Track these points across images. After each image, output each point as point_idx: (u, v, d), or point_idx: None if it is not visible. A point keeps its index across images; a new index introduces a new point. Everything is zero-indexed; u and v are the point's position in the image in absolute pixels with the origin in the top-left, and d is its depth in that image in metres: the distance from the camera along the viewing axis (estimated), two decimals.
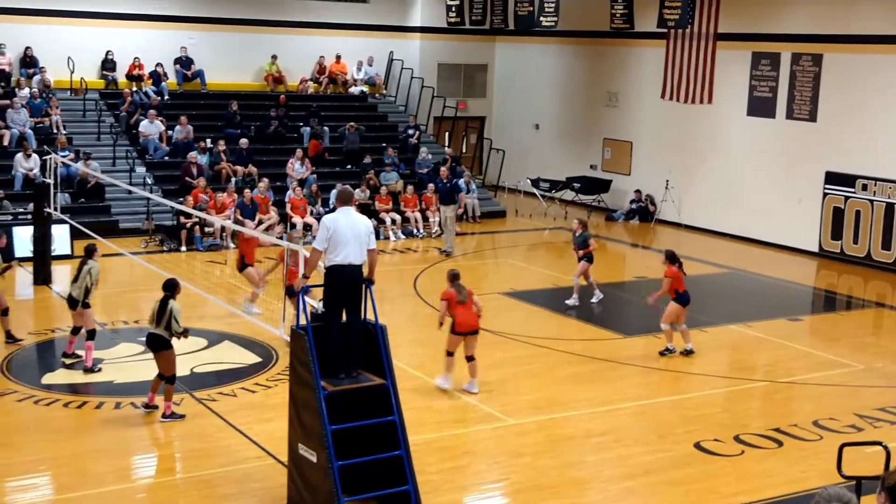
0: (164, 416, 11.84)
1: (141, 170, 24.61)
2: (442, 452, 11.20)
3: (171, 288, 11.93)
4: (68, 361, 13.71)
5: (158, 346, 11.80)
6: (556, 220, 27.13)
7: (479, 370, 13.17)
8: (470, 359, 13.06)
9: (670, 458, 11.32)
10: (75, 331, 13.78)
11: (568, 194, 28.66)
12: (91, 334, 13.54)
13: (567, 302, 17.85)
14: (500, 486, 10.75)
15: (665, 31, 25.31)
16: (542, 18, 25.73)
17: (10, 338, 14.58)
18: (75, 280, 13.51)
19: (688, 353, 15.09)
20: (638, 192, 27.55)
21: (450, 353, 13.06)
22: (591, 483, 10.73)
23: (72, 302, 13.52)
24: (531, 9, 25.96)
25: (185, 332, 11.87)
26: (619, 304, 18.84)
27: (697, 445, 11.62)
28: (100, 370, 13.50)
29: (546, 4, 25.40)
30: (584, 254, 17.74)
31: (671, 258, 15.01)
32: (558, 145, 30.46)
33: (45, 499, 10.07)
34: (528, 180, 29.42)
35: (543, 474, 10.78)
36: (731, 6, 24.87)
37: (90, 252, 13.70)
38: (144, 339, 12.42)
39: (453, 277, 13.18)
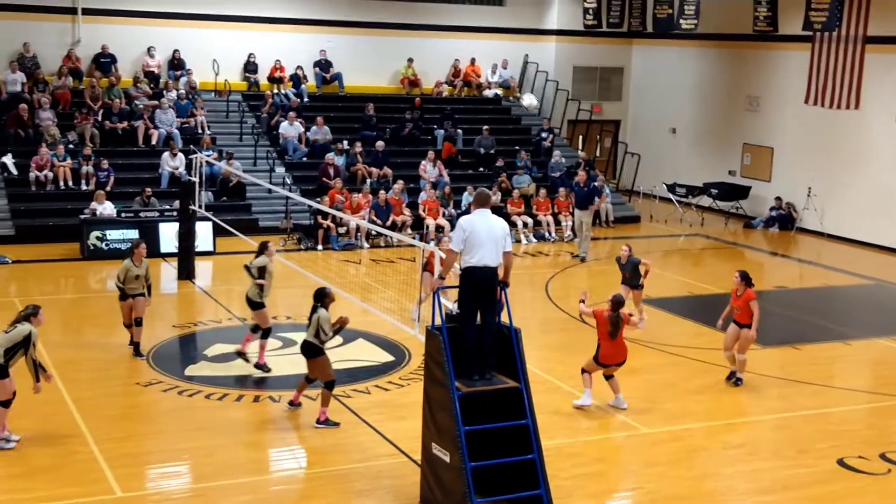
0: (318, 421, 11.74)
1: (280, 170, 25.21)
2: (574, 458, 11.10)
3: (320, 297, 11.88)
4: (247, 362, 13.73)
5: (310, 353, 11.80)
6: (693, 226, 26.61)
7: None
8: (609, 377, 12.78)
9: (811, 474, 10.96)
10: (255, 329, 13.86)
11: (705, 200, 28.08)
12: (265, 333, 13.71)
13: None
14: (633, 494, 10.60)
15: (811, 33, 24.52)
16: (681, 21, 25.29)
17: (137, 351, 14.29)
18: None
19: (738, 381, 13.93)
20: (778, 199, 26.78)
21: (585, 371, 12.76)
22: (726, 496, 10.47)
23: (251, 303, 13.59)
24: (670, 11, 25.56)
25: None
26: None
27: (840, 462, 11.21)
28: (269, 370, 13.58)
29: (686, 6, 24.96)
30: (642, 278, 16.18)
31: (748, 280, 13.47)
32: (696, 150, 29.88)
33: (184, 487, 10.39)
34: (664, 185, 28.95)
35: (677, 485, 10.58)
36: (881, 8, 23.93)
37: (263, 248, 13.79)
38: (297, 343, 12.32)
39: (616, 305, 12.49)
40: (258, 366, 13.62)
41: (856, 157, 24.99)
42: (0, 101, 24.51)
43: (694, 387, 13.79)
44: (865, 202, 24.70)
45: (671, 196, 28.48)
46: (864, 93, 24.54)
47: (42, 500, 9.56)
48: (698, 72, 29.86)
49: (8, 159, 22.92)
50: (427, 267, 14.33)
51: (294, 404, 12.22)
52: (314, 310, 11.80)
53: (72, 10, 25.90)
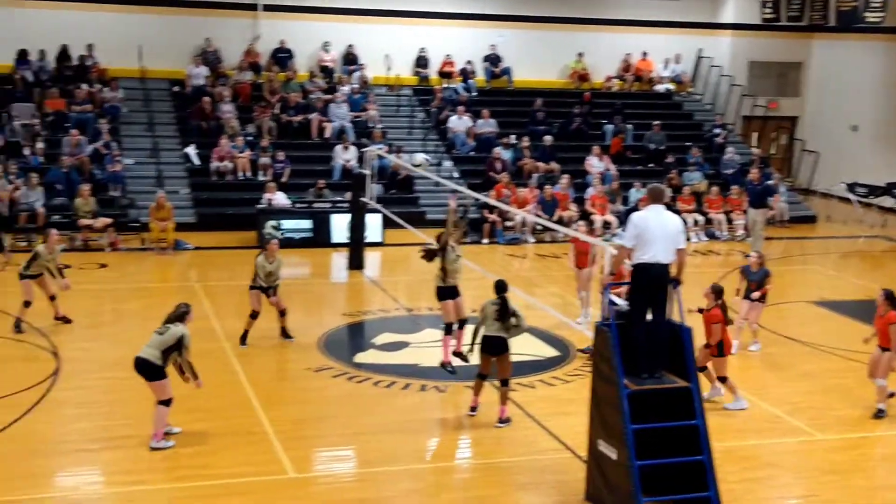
0: (500, 420, 11.52)
1: (448, 163, 25.47)
2: (744, 462, 10.81)
3: (505, 288, 11.47)
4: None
5: (502, 349, 11.37)
6: (874, 228, 25.45)
7: (785, 381, 12.56)
8: (723, 379, 12.29)
9: None
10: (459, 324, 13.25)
11: (887, 201, 26.79)
12: (447, 328, 13.30)
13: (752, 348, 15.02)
14: (805, 501, 10.23)
15: None
16: (866, 14, 24.27)
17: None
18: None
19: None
20: None
21: (723, 379, 12.30)
22: None
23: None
24: (855, 4, 24.56)
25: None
26: None
27: None
28: (453, 371, 12.91)
29: None
30: (762, 294, 14.51)
31: (893, 300, 12.10)
32: (879, 148, 28.53)
33: (352, 471, 10.66)
34: (844, 185, 27.78)
35: (853, 494, 10.17)
36: None
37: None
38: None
39: (718, 293, 12.20)
40: (443, 365, 12.97)
41: None
42: (184, 94, 25.68)
43: (871, 394, 13.17)
44: None
45: (851, 196, 27.30)
46: None
47: (219, 476, 9.97)
48: (884, 67, 28.48)
49: (191, 150, 23.98)
50: None
51: (473, 409, 11.77)
52: (505, 302, 11.36)
53: (252, 7, 26.87)
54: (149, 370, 10.50)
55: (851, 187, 27.41)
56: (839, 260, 22.39)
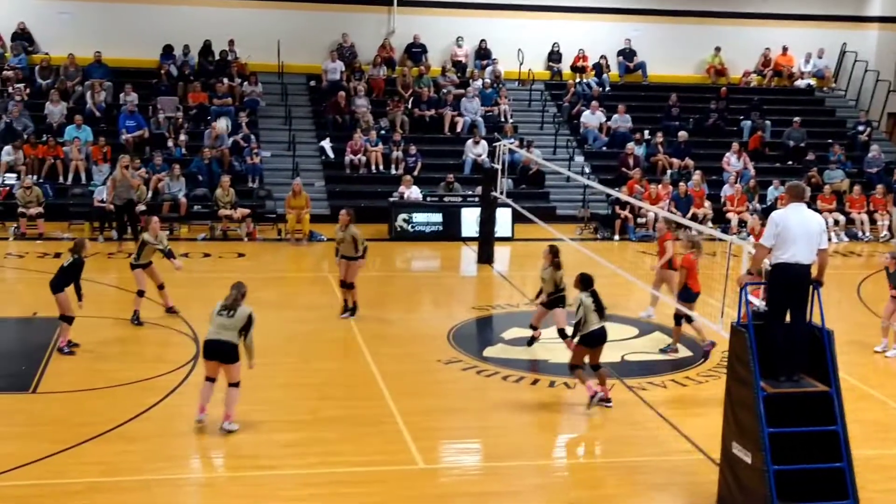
0: (602, 398, 11.75)
1: (579, 159, 25.30)
2: (885, 471, 10.41)
3: (592, 282, 11.63)
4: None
5: (604, 340, 11.62)
6: None
7: None
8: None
9: None
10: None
11: None
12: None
13: (877, 349, 14.55)
14: None
15: None
16: None
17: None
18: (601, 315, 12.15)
19: None
20: None
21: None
22: None
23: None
24: None
25: None
26: None
27: None
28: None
29: None
30: None
31: None
32: None
33: (479, 464, 10.68)
34: None
35: None
36: None
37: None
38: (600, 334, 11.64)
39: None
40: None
41: None
42: (321, 88, 26.19)
43: None
44: None
45: None
46: None
47: (349, 464, 10.13)
48: None
49: (326, 143, 24.44)
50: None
51: (607, 400, 11.85)
52: (597, 296, 11.50)
53: (388, 2, 27.22)
54: (229, 353, 10.60)
55: None
56: None
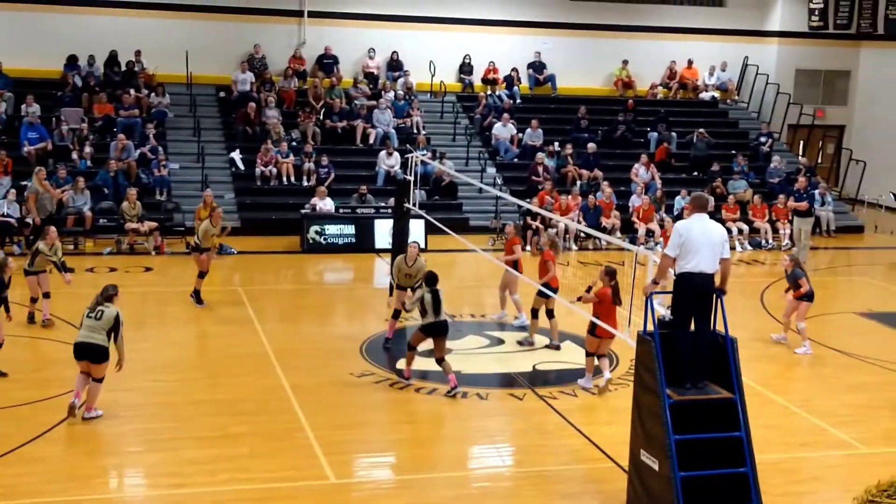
0: (451, 388, 12.60)
1: (491, 170, 25.47)
2: (788, 475, 10.68)
3: (434, 281, 12.80)
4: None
5: (446, 330, 12.77)
6: None
7: (831, 393, 12.36)
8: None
9: None
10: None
11: None
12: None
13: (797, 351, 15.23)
14: None
15: None
16: None
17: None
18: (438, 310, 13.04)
19: None
20: None
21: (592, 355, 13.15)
22: None
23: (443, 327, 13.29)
24: None
25: None
26: None
27: None
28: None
29: None
30: (796, 294, 15.20)
31: None
32: None
33: (393, 478, 10.66)
34: (892, 195, 27.41)
35: None
36: None
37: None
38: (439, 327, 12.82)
39: (611, 275, 12.85)
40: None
41: None
42: (230, 99, 25.92)
43: None
44: None
45: None
46: None
47: (261, 480, 10.02)
48: None
49: (236, 155, 24.19)
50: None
51: (406, 379, 13.04)
52: (437, 293, 12.66)
53: (298, 13, 27.06)
54: (97, 353, 11.07)
55: None
56: (887, 271, 22.08)
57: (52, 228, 15.39)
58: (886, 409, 12.90)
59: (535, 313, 14.83)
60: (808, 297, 15.16)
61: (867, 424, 12.26)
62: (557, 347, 14.77)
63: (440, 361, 12.77)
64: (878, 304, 18.16)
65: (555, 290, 14.38)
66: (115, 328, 11.10)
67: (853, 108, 30.85)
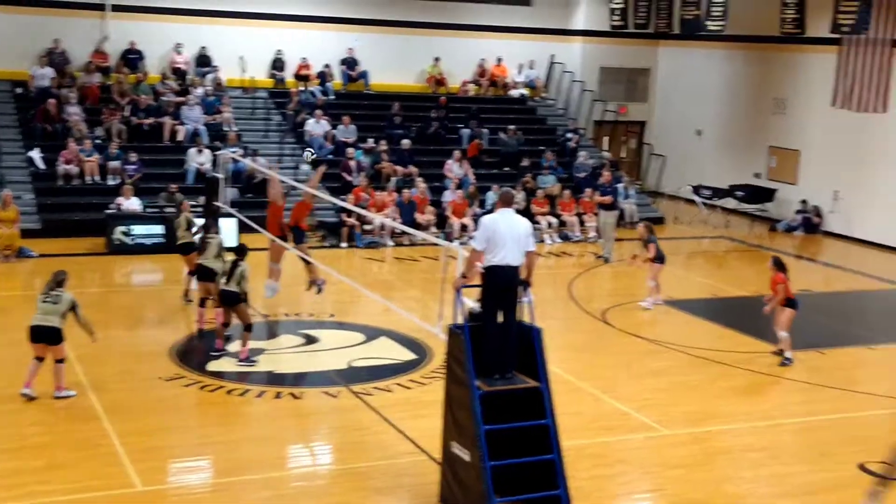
0: (240, 359, 13.49)
1: (305, 167, 25.25)
2: (594, 459, 11.08)
3: (243, 252, 13.81)
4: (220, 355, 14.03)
5: (231, 301, 13.58)
6: (717, 228, 26.48)
7: (634, 378, 12.91)
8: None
9: (833, 479, 10.88)
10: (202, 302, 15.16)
11: (730, 203, 27.93)
12: (249, 328, 13.90)
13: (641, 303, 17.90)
14: (652, 496, 10.57)
15: (838, 36, 24.36)
16: (708, 22, 25.19)
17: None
18: (229, 278, 13.82)
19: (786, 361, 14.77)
20: (804, 202, 26.62)
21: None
22: (746, 500, 10.43)
23: (229, 297, 13.80)
24: (698, 13, 25.44)
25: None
26: None
27: (862, 467, 11.12)
28: (256, 362, 13.75)
29: (713, 8, 24.86)
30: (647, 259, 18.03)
31: (779, 265, 14.76)
32: (721, 152, 29.71)
33: (207, 481, 10.44)
34: (689, 187, 28.83)
35: (697, 488, 10.54)
36: None
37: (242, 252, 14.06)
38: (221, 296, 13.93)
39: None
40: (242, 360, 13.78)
41: (883, 160, 24.78)
42: (28, 95, 24.74)
43: (716, 389, 13.74)
44: (893, 206, 24.49)
45: (696, 198, 28.35)
46: (892, 96, 24.33)
47: (64, 492, 9.64)
48: (725, 74, 29.71)
49: (35, 154, 23.09)
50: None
51: (218, 350, 13.89)
52: (237, 263, 13.58)
53: (100, 7, 26.07)
54: (54, 335, 11.91)
55: (696, 189, 28.47)
56: (685, 260, 23.20)
57: None
58: (685, 391, 13.57)
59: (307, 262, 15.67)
60: (660, 259, 17.72)
61: (667, 407, 12.85)
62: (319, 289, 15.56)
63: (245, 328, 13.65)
64: (678, 292, 19.04)
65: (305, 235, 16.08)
66: (72, 309, 11.98)
67: (653, 104, 32.25)
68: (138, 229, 20.76)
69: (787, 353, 14.75)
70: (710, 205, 28.05)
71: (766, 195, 27.64)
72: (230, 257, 14.13)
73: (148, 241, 20.71)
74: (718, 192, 28.01)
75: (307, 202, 16.40)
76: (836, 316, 18.59)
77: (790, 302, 14.68)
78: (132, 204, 21.28)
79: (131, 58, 26.23)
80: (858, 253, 24.29)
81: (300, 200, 16.51)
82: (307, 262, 15.60)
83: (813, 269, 22.70)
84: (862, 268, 22.49)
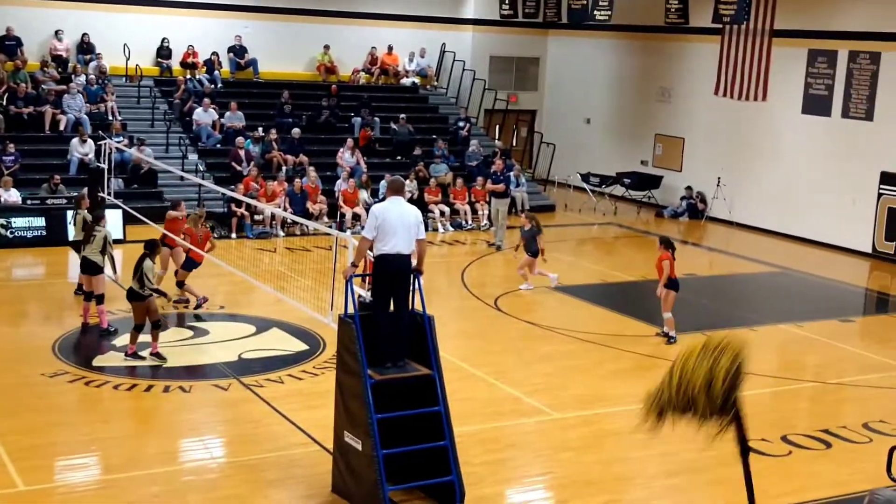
0: (151, 354, 13.22)
1: (193, 157, 24.81)
2: (486, 444, 11.18)
3: (151, 247, 13.34)
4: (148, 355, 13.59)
5: (134, 298, 13.08)
6: (606, 215, 26.97)
7: (525, 364, 13.09)
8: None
9: (716, 457, 11.12)
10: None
11: (618, 190, 28.48)
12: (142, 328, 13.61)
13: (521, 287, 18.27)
14: (544, 479, 10.72)
15: (720, 26, 25.03)
16: (595, 12, 25.58)
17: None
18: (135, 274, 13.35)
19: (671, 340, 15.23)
20: (689, 188, 27.30)
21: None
22: (635, 479, 10.66)
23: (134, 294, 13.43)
24: (585, 2, 25.82)
25: (157, 291, 13.38)
26: None
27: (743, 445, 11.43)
28: (145, 357, 13.39)
29: None
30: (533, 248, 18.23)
31: (666, 244, 15.26)
32: (609, 140, 30.26)
33: (93, 478, 10.19)
34: (579, 175, 29.29)
35: (587, 469, 10.74)
36: (787, 2, 24.51)
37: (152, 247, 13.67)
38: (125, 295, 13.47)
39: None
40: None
41: (763, 147, 25.59)
42: None
43: (605, 372, 14.00)
44: (772, 192, 25.32)
45: (585, 185, 28.83)
46: (771, 85, 25.12)
47: None
48: (612, 63, 30.23)
49: None
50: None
51: (132, 355, 13.29)
52: (142, 259, 13.08)
53: None
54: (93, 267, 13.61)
55: (585, 177, 28.95)
56: (575, 246, 23.57)
57: None
58: (575, 375, 13.79)
59: (181, 285, 16.11)
60: (535, 253, 17.93)
61: (557, 391, 13.05)
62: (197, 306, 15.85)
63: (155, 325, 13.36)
64: (567, 278, 19.32)
65: (197, 264, 16.09)
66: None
67: (543, 93, 32.62)
68: (19, 222, 20.11)
69: (672, 333, 15.21)
70: (598, 192, 28.55)
71: (652, 182, 28.26)
72: (119, 250, 13.97)
73: (29, 234, 20.09)
74: (606, 180, 28.53)
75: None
76: (720, 298, 19.14)
77: (672, 283, 15.08)
78: (11, 196, 20.60)
79: (8, 44, 25.33)
80: (740, 237, 25.04)
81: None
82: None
83: (698, 254, 23.32)
84: (743, 252, 23.20)
